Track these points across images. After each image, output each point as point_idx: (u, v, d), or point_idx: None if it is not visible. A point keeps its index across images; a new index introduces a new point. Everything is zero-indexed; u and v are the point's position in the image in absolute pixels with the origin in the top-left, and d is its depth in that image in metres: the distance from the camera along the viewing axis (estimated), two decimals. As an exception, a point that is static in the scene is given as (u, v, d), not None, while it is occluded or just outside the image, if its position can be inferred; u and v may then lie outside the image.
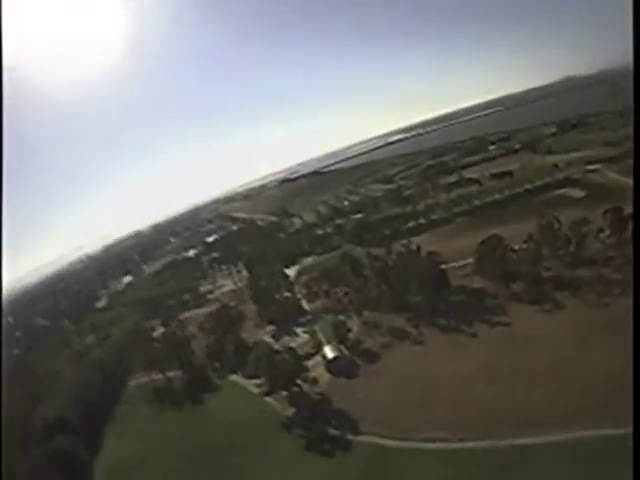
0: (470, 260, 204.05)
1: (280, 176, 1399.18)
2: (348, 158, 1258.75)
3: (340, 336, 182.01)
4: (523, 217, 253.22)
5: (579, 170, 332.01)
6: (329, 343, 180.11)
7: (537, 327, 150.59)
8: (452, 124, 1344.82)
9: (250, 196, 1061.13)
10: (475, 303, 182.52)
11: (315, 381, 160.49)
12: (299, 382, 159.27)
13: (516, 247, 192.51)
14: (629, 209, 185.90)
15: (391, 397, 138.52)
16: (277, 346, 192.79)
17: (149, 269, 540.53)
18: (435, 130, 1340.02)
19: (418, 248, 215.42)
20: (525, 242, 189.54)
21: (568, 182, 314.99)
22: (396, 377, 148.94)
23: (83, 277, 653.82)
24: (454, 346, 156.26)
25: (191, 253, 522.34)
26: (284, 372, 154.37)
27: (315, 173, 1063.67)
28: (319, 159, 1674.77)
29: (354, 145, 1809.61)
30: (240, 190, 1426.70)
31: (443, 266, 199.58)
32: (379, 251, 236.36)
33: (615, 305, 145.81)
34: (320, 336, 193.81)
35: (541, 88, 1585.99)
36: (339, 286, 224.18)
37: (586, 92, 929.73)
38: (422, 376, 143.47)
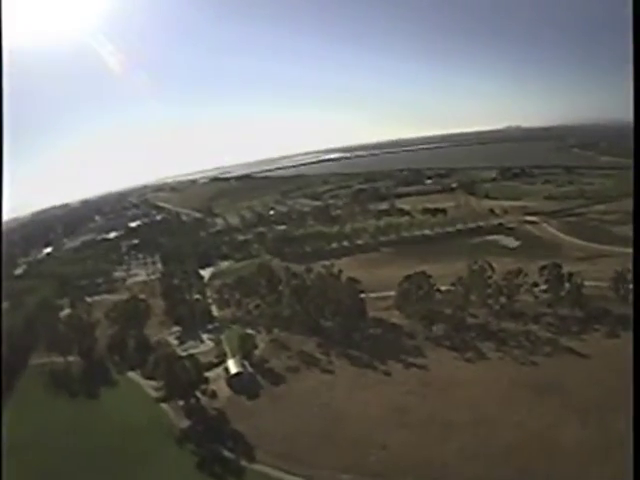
0: (391, 293, 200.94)
1: (212, 174, 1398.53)
2: (281, 168, 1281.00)
3: (245, 351, 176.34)
4: (452, 257, 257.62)
5: (516, 219, 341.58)
6: (233, 356, 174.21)
7: (456, 375, 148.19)
8: (389, 152, 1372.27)
9: (178, 189, 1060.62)
10: (391, 340, 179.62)
11: (214, 395, 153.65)
12: (197, 393, 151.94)
13: (443, 288, 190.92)
14: (568, 268, 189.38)
15: (292, 426, 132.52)
16: (180, 350, 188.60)
17: (69, 244, 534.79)
18: (372, 155, 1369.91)
19: (339, 272, 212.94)
20: (453, 284, 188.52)
21: (502, 229, 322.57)
22: (299, 405, 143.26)
23: (8, 240, 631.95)
24: (365, 382, 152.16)
25: (111, 235, 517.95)
26: (183, 380, 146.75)
27: (247, 177, 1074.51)
28: (253, 163, 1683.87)
29: (289, 156, 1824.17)
30: (170, 181, 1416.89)
31: (362, 295, 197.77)
32: (298, 268, 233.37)
33: (543, 365, 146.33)
34: (225, 347, 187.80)
35: (486, 133, 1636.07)
36: (251, 297, 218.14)
37: (533, 144, 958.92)
38: (327, 409, 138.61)
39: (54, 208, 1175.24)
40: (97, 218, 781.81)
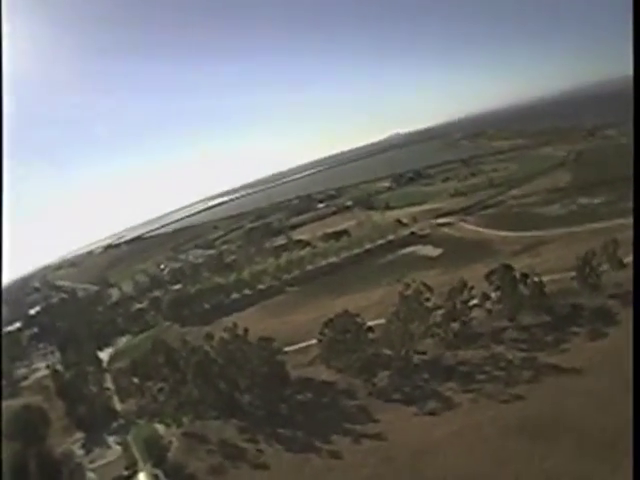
0: (312, 342, 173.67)
1: (106, 242, 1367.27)
2: (170, 223, 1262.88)
3: (156, 455, 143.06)
4: (371, 282, 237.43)
5: (428, 224, 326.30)
6: (145, 464, 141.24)
7: (424, 438, 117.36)
8: (275, 185, 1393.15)
9: (76, 263, 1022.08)
10: (327, 404, 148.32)
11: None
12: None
13: (373, 324, 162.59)
14: (521, 268, 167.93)
15: None
16: (87, 461, 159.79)
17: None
18: (258, 192, 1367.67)
19: (245, 331, 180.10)
20: (388, 320, 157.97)
21: (417, 239, 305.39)
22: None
23: None
24: (310, 472, 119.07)
25: (14, 327, 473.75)
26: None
27: (138, 239, 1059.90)
28: (143, 224, 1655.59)
29: (178, 209, 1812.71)
30: (69, 256, 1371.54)
31: (279, 356, 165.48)
32: (198, 334, 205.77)
33: (531, 397, 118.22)
34: (134, 451, 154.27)
35: (367, 146, 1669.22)
36: (153, 381, 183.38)
37: (419, 146, 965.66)
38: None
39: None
40: (4, 310, 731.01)
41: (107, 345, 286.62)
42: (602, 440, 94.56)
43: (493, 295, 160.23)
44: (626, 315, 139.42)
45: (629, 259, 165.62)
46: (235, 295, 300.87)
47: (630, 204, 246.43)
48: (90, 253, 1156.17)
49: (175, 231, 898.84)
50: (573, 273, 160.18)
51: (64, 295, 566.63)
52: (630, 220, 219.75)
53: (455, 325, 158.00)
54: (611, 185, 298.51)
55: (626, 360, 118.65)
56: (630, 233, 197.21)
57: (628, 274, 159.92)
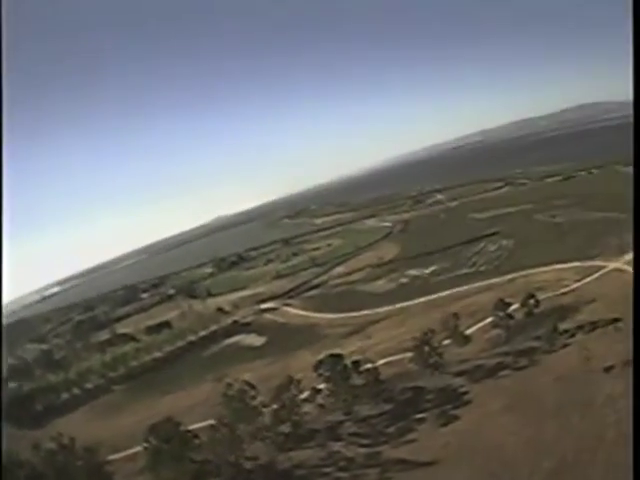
0: (138, 449, 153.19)
1: None
2: (7, 314, 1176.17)
3: None
4: (195, 379, 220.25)
5: (250, 311, 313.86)
6: None
7: None
8: (103, 275, 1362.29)
9: None
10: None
11: None
12: None
13: (195, 428, 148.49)
14: (339, 350, 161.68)
15: None
16: None
17: None
18: (86, 282, 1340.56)
19: (72, 440, 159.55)
20: (212, 426, 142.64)
21: (240, 327, 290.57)
22: None
23: None
24: None
25: None
26: None
27: None
28: None
29: (14, 301, 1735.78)
30: None
31: (106, 466, 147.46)
32: (31, 439, 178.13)
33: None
34: None
35: (191, 231, 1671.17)
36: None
37: (240, 228, 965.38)
38: None
39: None
40: None
41: None
42: None
43: (324, 387, 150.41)
44: (477, 392, 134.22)
45: (472, 330, 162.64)
46: (65, 395, 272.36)
47: (465, 270, 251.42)
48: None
49: (11, 324, 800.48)
50: (410, 354, 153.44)
51: None
52: (469, 286, 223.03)
53: (286, 424, 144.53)
54: (443, 252, 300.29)
55: (485, 442, 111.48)
56: (470, 300, 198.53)
57: (473, 347, 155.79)
